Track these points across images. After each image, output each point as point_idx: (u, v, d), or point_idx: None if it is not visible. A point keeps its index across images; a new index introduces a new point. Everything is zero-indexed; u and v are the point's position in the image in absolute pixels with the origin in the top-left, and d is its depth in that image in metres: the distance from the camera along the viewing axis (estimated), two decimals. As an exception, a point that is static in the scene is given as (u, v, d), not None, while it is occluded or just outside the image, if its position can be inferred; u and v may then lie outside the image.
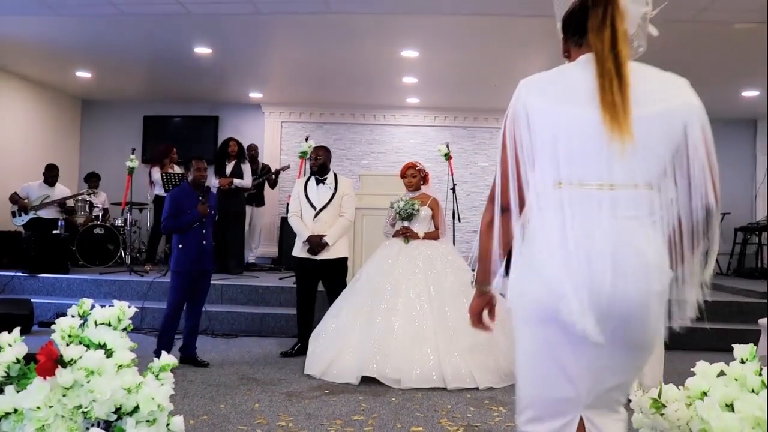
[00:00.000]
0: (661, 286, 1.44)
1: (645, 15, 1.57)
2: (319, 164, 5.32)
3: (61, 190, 8.00)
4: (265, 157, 9.63)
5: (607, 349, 1.43)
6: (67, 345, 1.94)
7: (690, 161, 1.44)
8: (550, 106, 1.48)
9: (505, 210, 1.55)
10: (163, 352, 2.15)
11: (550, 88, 1.52)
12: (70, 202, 8.09)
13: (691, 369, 2.08)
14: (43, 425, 1.80)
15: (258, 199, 8.64)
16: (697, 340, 5.86)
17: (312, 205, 5.26)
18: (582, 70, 1.50)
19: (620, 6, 1.50)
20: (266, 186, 8.78)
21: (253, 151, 8.61)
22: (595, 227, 1.42)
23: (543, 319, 1.46)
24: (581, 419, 1.52)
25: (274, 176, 8.68)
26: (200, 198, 4.78)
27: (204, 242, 4.80)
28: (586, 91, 1.46)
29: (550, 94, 1.50)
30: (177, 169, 7.99)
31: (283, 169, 8.66)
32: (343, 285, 5.13)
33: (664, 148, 1.44)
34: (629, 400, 2.27)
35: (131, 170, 7.47)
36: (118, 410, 1.91)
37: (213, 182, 7.62)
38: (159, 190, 7.81)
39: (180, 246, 4.73)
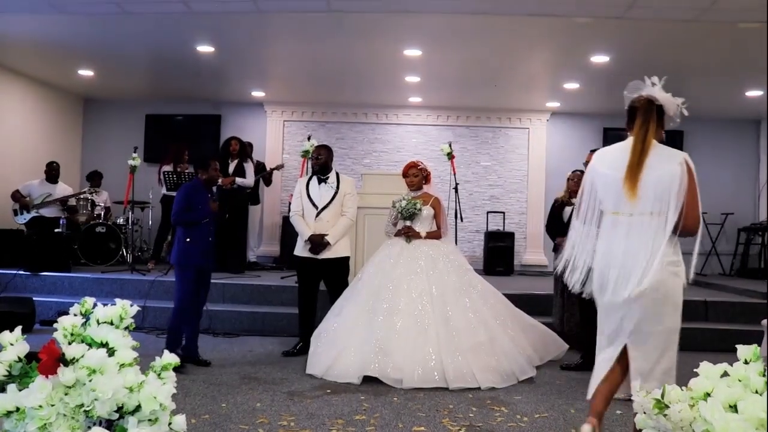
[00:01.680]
0: (654, 269, 2.56)
1: (678, 105, 2.76)
2: (321, 163, 5.31)
3: (62, 188, 8.01)
4: (267, 156, 9.63)
5: (630, 305, 2.65)
6: (70, 343, 1.94)
7: (678, 201, 2.60)
8: (604, 170, 2.77)
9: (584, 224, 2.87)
10: (165, 351, 2.14)
11: (606, 158, 2.82)
12: (72, 201, 8.10)
13: (695, 370, 2.08)
14: (45, 424, 1.80)
15: (253, 198, 8.62)
16: (700, 341, 5.86)
17: (314, 205, 5.26)
18: (625, 147, 2.74)
19: (653, 116, 2.70)
20: (261, 184, 8.76)
21: (248, 148, 8.59)
22: (619, 235, 2.68)
23: (598, 290, 2.78)
24: (626, 354, 2.69)
25: (267, 175, 8.67)
26: (210, 196, 4.89)
27: (210, 239, 4.86)
28: (622, 164, 2.68)
29: (606, 163, 2.79)
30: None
31: (277, 168, 8.63)
32: (345, 284, 5.12)
33: (662, 193, 2.60)
34: (631, 399, 2.27)
35: (133, 169, 7.48)
36: (120, 409, 1.91)
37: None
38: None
39: (188, 240, 4.75)
